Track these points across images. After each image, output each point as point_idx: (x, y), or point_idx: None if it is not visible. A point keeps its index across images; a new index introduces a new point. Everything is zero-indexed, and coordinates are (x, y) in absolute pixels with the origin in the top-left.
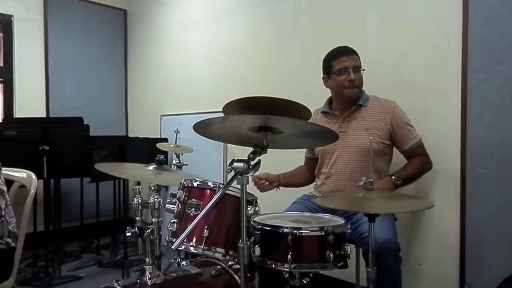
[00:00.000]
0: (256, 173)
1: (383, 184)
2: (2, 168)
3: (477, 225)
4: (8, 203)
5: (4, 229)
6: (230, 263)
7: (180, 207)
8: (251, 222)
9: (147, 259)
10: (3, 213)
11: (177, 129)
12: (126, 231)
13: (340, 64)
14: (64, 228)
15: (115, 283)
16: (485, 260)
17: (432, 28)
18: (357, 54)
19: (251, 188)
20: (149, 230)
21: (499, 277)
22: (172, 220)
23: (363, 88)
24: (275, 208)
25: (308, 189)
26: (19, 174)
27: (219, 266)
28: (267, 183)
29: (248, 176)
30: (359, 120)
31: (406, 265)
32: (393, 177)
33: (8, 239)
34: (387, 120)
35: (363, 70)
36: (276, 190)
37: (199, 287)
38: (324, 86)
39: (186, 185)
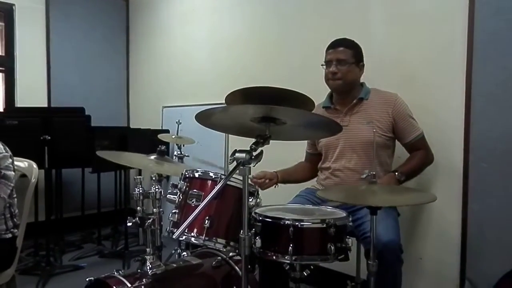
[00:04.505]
0: (253, 174)
1: (387, 180)
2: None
3: (479, 219)
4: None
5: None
6: (230, 254)
7: (181, 197)
8: (252, 214)
9: (148, 249)
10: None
11: (178, 120)
12: (127, 221)
13: (327, 56)
14: (65, 218)
15: (115, 273)
16: (486, 255)
17: (438, 21)
18: (347, 47)
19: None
20: (150, 220)
21: (500, 271)
22: (173, 211)
23: (364, 81)
24: (277, 201)
25: (311, 182)
26: (21, 163)
27: (219, 257)
28: (267, 180)
29: (250, 167)
30: (361, 113)
31: (407, 259)
32: (396, 173)
33: (14, 230)
34: (388, 112)
35: (358, 63)
36: (275, 187)
37: (199, 278)
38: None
39: (187, 175)
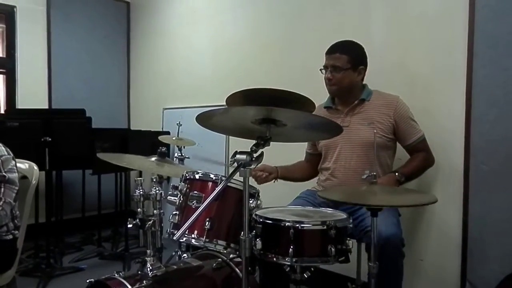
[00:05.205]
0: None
1: (387, 180)
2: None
3: (480, 221)
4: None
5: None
6: (231, 256)
7: (181, 199)
8: (253, 216)
9: (148, 251)
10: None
11: (179, 122)
12: (128, 223)
13: (325, 61)
14: (65, 220)
15: (116, 275)
16: (487, 257)
17: (438, 23)
18: (343, 52)
19: (253, 181)
20: (150, 222)
21: (501, 273)
22: (174, 212)
23: (366, 83)
24: (277, 202)
25: (312, 184)
26: (21, 165)
27: (220, 259)
28: (265, 174)
29: (250, 169)
30: (362, 114)
31: (408, 261)
32: (396, 174)
33: (15, 231)
34: (390, 114)
35: (355, 68)
36: (274, 182)
37: (200, 280)
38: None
39: (188, 177)
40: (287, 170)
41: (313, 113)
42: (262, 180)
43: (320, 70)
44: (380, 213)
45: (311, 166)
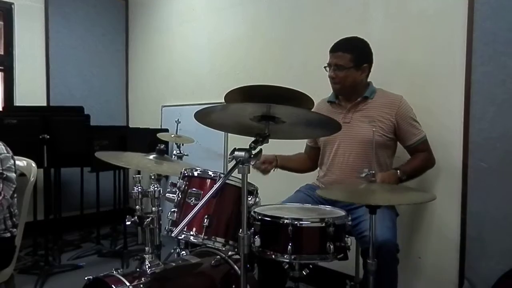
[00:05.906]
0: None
1: (388, 176)
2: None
3: (478, 219)
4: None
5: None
6: (229, 253)
7: (180, 196)
8: (252, 213)
9: (146, 248)
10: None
11: (178, 119)
12: (126, 220)
13: (328, 59)
14: (64, 217)
15: (114, 272)
16: (485, 254)
17: (437, 21)
18: (345, 51)
19: (252, 178)
20: (149, 219)
21: (499, 271)
22: (172, 210)
23: (370, 80)
24: (276, 199)
25: (311, 179)
26: (20, 162)
27: (218, 256)
28: (265, 165)
29: (249, 165)
30: (364, 112)
31: (406, 259)
32: (399, 171)
33: (13, 229)
34: (392, 114)
35: (358, 66)
36: (274, 170)
37: (198, 277)
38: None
39: (186, 174)
40: (286, 159)
41: (316, 106)
42: (266, 169)
43: (324, 67)
44: (376, 215)
45: (310, 159)
